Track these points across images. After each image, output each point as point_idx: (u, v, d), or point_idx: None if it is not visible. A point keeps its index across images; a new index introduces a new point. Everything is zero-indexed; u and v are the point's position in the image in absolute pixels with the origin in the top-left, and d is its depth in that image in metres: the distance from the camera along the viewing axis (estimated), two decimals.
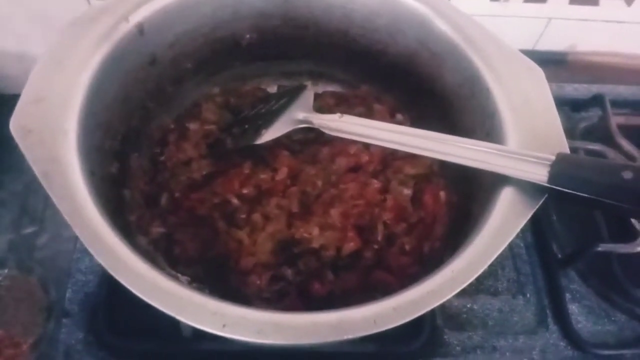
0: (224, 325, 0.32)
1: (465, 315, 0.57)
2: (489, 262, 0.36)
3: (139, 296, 0.33)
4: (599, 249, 0.54)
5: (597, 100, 0.68)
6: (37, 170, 0.37)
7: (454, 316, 0.57)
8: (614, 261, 0.56)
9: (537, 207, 0.39)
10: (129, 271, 0.34)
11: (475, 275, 0.35)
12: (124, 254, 0.35)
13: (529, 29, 0.78)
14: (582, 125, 0.68)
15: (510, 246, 0.61)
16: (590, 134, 0.67)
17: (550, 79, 0.77)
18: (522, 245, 0.62)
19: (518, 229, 0.38)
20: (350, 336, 0.33)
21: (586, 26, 0.76)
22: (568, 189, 0.37)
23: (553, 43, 0.79)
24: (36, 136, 0.39)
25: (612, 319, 0.57)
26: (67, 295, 0.54)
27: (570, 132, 0.67)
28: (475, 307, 0.57)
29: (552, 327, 0.56)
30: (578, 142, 0.64)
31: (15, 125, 0.39)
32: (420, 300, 0.34)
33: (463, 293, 0.57)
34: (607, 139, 0.63)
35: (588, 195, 0.36)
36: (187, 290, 0.34)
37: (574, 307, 0.57)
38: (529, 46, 0.80)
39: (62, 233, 0.60)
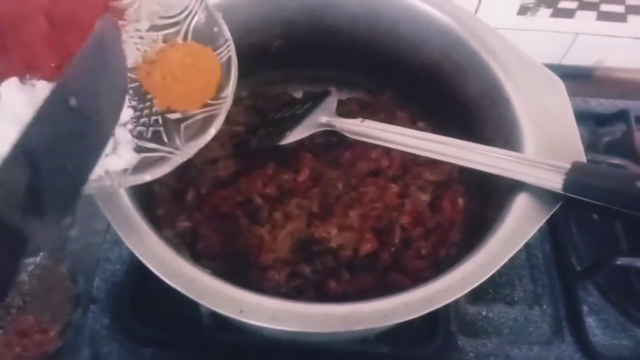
0: (241, 311, 0.34)
1: (480, 323, 0.57)
2: (500, 265, 0.37)
3: (164, 280, 0.35)
4: (618, 262, 0.54)
5: (621, 116, 0.68)
6: None
7: (469, 323, 0.57)
8: (633, 275, 0.56)
9: (550, 213, 0.39)
10: (155, 256, 0.36)
11: (486, 277, 0.36)
12: (151, 240, 0.37)
13: (556, 43, 0.78)
14: (606, 139, 0.68)
15: (529, 257, 0.62)
16: (613, 148, 0.67)
17: (576, 93, 0.77)
18: (540, 256, 0.62)
19: (531, 234, 0.39)
20: (360, 327, 0.34)
21: (613, 42, 0.76)
22: (582, 197, 0.38)
23: (580, 58, 0.80)
24: None
25: (629, 333, 0.56)
26: (95, 283, 0.57)
27: (594, 146, 0.67)
28: (490, 315, 0.58)
29: (568, 338, 0.56)
30: (601, 156, 0.64)
31: None
32: (430, 298, 0.35)
33: (479, 301, 0.58)
34: (630, 153, 0.63)
35: (601, 203, 0.37)
36: (208, 277, 0.36)
37: (590, 319, 0.57)
38: (555, 60, 0.81)
39: (93, 227, 0.62)
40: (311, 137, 0.56)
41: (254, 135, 0.57)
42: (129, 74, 0.38)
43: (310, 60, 0.62)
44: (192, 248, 0.52)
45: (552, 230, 0.63)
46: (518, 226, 0.39)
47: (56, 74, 0.34)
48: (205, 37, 0.39)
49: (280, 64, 0.62)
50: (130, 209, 0.40)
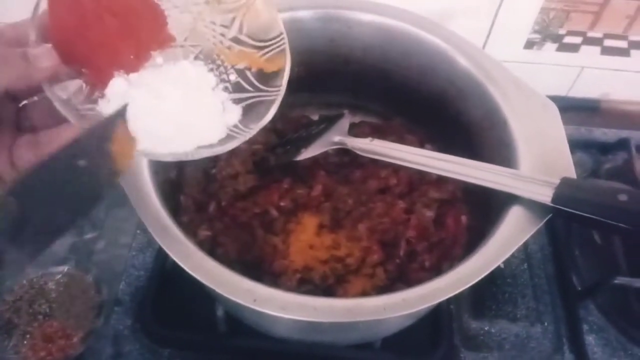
0: (254, 300, 0.38)
1: (482, 337, 0.59)
2: (492, 268, 0.40)
3: (187, 270, 0.39)
4: (617, 281, 0.56)
5: (623, 144, 0.71)
6: None
7: (471, 337, 0.59)
8: (632, 296, 0.58)
9: (541, 224, 0.42)
10: (180, 251, 0.40)
11: (478, 279, 0.39)
12: (175, 235, 0.42)
13: (562, 76, 0.82)
14: (607, 166, 0.71)
15: (532, 276, 0.64)
16: (614, 175, 0.69)
17: (583, 123, 0.80)
18: (543, 276, 0.64)
19: (522, 242, 0.42)
20: (361, 319, 0.37)
21: (618, 76, 0.80)
22: (569, 209, 0.41)
23: (586, 90, 0.83)
24: None
25: (629, 352, 0.58)
26: (121, 286, 0.61)
27: (596, 173, 0.70)
28: (492, 330, 0.60)
29: (568, 355, 0.57)
30: (602, 182, 0.67)
31: None
32: (426, 295, 0.39)
33: (482, 316, 0.61)
34: (631, 180, 0.66)
35: (587, 215, 0.40)
36: (226, 270, 0.40)
37: (591, 338, 0.58)
38: (562, 92, 0.84)
39: (119, 240, 0.66)
40: (325, 156, 0.60)
41: (272, 153, 0.61)
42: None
43: (328, 86, 0.66)
44: (211, 255, 0.56)
45: (555, 251, 0.65)
46: (511, 234, 0.42)
47: (138, 65, 0.35)
48: (261, 28, 0.41)
49: (300, 89, 0.66)
50: (160, 212, 0.44)
